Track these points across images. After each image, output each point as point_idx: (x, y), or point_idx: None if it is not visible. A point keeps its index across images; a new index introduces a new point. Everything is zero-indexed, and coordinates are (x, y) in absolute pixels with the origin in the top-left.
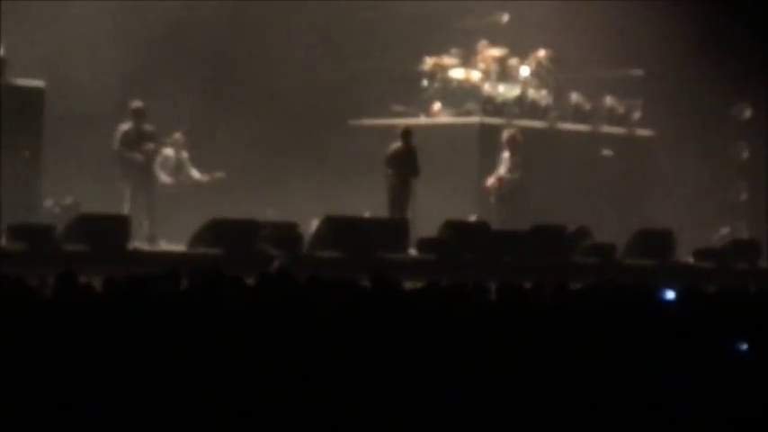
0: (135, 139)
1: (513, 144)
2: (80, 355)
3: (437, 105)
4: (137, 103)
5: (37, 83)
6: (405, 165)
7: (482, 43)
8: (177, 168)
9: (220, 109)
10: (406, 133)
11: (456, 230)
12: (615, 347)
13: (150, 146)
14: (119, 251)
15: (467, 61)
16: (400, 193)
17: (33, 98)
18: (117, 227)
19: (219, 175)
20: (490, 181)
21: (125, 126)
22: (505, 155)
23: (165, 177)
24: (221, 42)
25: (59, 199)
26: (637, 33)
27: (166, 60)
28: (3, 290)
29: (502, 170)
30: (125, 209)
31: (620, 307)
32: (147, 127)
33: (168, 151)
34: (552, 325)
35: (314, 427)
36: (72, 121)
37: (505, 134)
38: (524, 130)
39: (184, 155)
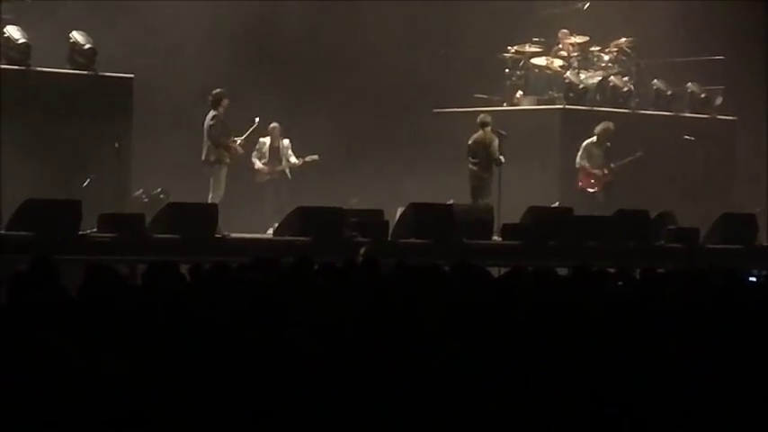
0: (222, 126)
1: (606, 136)
2: (170, 343)
3: (519, 93)
4: (215, 91)
5: (126, 74)
6: (487, 153)
7: (563, 31)
8: (273, 156)
9: (307, 98)
10: (484, 123)
11: (539, 216)
12: (700, 330)
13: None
14: (207, 239)
15: (548, 49)
16: (483, 180)
17: (123, 89)
18: (205, 215)
19: (311, 158)
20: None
21: (213, 113)
22: (601, 148)
23: (259, 164)
24: (308, 33)
25: (148, 189)
26: (718, 19)
27: (254, 51)
28: (94, 279)
29: (612, 164)
30: (211, 194)
31: (705, 291)
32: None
33: (264, 140)
34: (639, 308)
35: (401, 412)
36: (160, 113)
37: (599, 127)
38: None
39: (285, 142)
